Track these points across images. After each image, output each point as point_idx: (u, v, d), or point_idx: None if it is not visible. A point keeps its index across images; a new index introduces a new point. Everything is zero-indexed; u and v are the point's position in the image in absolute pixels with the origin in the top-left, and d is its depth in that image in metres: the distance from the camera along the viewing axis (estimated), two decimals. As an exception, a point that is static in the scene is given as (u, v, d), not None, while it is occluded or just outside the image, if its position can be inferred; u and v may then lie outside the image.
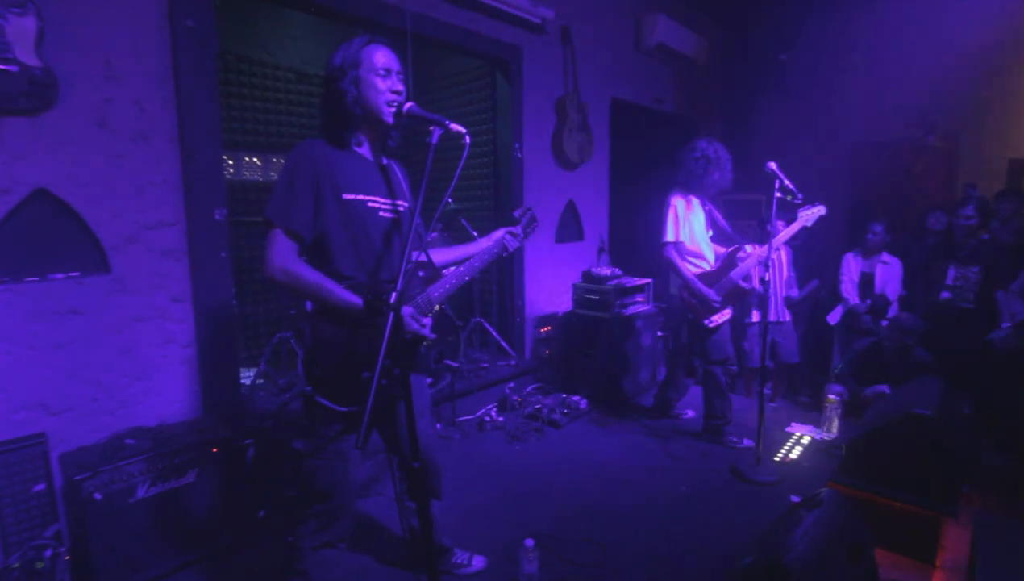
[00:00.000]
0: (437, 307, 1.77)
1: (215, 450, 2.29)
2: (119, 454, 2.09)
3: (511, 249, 1.91)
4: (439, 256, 1.95)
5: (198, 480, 2.24)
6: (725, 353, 3.34)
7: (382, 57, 1.62)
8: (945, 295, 3.71)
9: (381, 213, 1.67)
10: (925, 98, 5.27)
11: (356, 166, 1.66)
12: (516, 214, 2.04)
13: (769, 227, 2.93)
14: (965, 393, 3.43)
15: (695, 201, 3.31)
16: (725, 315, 3.28)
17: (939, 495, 2.26)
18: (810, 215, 3.14)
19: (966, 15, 5.01)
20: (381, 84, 1.61)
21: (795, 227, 3.12)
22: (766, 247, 2.97)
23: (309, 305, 1.65)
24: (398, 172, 1.80)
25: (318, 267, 1.61)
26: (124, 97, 2.29)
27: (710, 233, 3.40)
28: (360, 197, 1.63)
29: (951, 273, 3.69)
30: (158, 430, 2.32)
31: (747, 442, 3.35)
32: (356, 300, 1.54)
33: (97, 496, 1.98)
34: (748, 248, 3.27)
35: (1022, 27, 4.82)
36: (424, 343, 1.69)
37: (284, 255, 1.56)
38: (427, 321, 1.67)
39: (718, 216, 3.37)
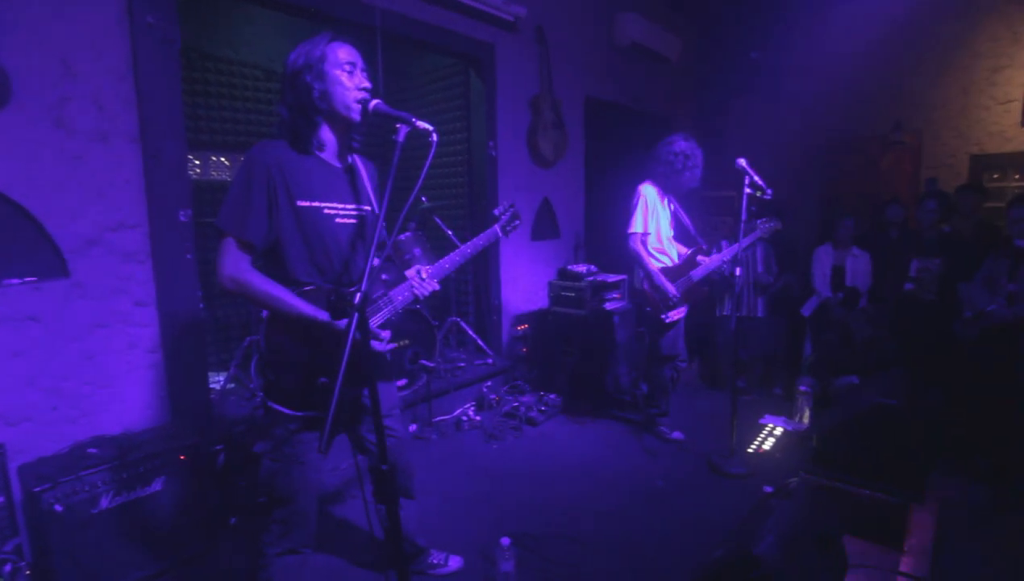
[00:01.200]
0: (402, 310, 1.75)
1: (182, 457, 2.23)
2: (81, 464, 2.02)
3: (421, 296, 1.76)
4: None
5: (165, 488, 2.18)
6: (675, 350, 3.34)
7: (345, 53, 1.58)
8: (908, 286, 3.80)
9: (339, 219, 1.63)
10: (891, 96, 5.40)
11: (314, 171, 1.61)
12: (496, 212, 2.04)
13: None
14: (931, 383, 3.53)
15: (664, 197, 3.34)
16: (681, 312, 3.30)
17: (906, 483, 2.32)
18: (767, 228, 3.25)
19: (927, 14, 5.16)
20: (347, 80, 1.57)
21: (748, 240, 3.16)
22: (726, 252, 3.21)
23: (265, 311, 1.61)
24: (363, 172, 1.75)
25: (273, 272, 1.57)
26: (82, 96, 2.22)
27: (672, 233, 3.43)
28: (316, 204, 1.58)
29: (914, 265, 3.78)
30: (122, 438, 2.25)
31: (677, 434, 3.43)
32: (308, 310, 1.52)
33: (58, 508, 1.91)
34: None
35: (977, 27, 4.97)
36: (398, 346, 1.66)
37: (235, 265, 1.52)
38: (386, 334, 1.65)
39: (683, 216, 3.38)
